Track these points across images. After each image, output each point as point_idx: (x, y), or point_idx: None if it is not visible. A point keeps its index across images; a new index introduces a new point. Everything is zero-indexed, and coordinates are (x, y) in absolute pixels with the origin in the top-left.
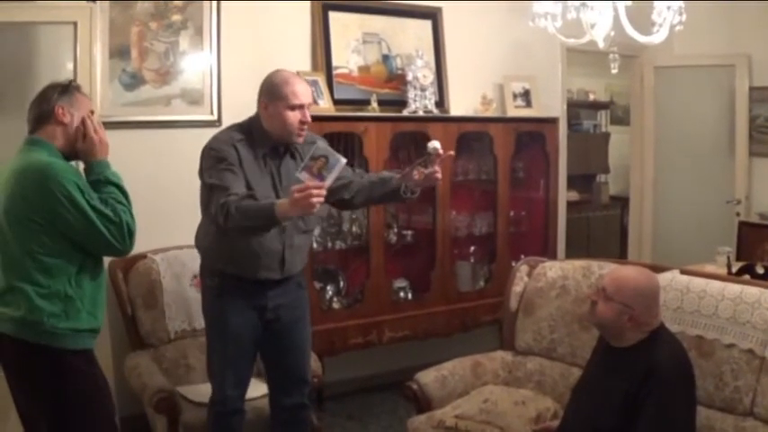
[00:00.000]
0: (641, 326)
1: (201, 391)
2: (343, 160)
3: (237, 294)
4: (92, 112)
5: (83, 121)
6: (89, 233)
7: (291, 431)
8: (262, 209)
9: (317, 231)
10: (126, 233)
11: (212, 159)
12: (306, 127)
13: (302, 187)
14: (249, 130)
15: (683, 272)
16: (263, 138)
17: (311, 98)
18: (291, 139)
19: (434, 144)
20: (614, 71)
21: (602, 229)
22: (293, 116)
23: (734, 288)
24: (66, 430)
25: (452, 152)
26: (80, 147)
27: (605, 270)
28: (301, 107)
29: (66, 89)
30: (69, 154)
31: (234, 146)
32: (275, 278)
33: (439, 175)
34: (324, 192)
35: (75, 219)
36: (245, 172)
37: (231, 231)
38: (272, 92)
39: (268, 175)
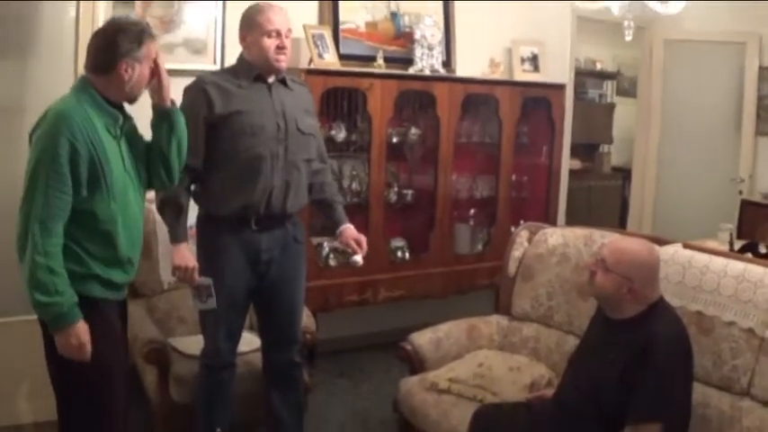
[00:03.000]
0: (640, 298)
1: (193, 343)
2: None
3: (232, 245)
4: (155, 62)
5: (156, 65)
6: (28, 190)
7: (283, 387)
8: (171, 228)
9: None
10: (32, 231)
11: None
12: (284, 53)
13: (185, 268)
14: (233, 68)
15: (686, 246)
16: (246, 70)
17: (288, 26)
18: (272, 65)
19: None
20: (628, 38)
21: (603, 200)
22: (270, 42)
23: (737, 265)
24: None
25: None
26: (152, 88)
27: (607, 239)
28: (278, 34)
29: (141, 39)
30: (117, 99)
31: (203, 89)
32: (266, 204)
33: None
34: (192, 278)
35: (28, 170)
36: (227, 101)
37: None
38: (249, 22)
39: (260, 98)
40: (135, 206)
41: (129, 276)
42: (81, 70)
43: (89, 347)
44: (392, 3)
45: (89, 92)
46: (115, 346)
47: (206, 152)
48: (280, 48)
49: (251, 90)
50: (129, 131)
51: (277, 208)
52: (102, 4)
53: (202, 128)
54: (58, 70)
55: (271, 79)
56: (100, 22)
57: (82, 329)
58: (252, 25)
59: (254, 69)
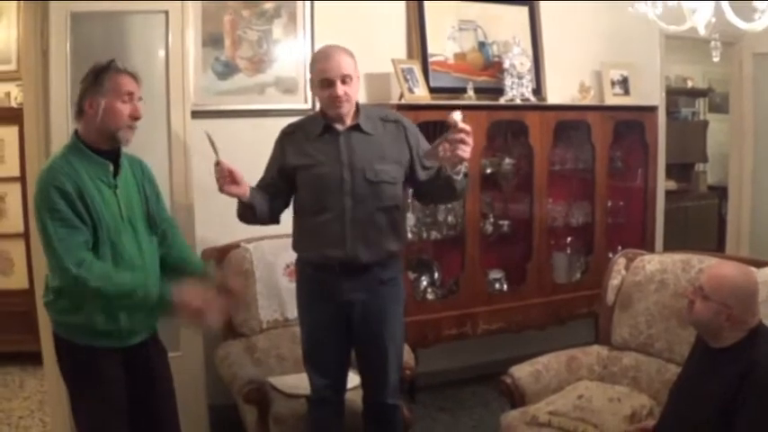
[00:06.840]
0: (739, 325)
1: (293, 382)
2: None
3: (314, 283)
4: (130, 95)
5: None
6: (45, 247)
7: (378, 428)
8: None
9: (411, 221)
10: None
11: None
12: (339, 102)
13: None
14: (313, 116)
15: None
16: (317, 120)
17: (342, 72)
18: (332, 112)
19: (456, 116)
20: (716, 59)
21: (700, 219)
22: (323, 93)
23: None
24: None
25: (468, 129)
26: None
27: (705, 264)
28: (329, 84)
29: (98, 74)
30: (97, 139)
31: (281, 140)
32: (340, 257)
33: (461, 152)
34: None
35: (39, 230)
36: (298, 154)
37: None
38: (311, 72)
39: (329, 149)
40: (135, 254)
41: (117, 323)
42: (172, 79)
43: (201, 304)
44: (479, 31)
45: (76, 146)
46: (106, 399)
47: (294, 199)
48: (332, 97)
49: (321, 141)
50: (129, 181)
51: (353, 259)
52: (192, 45)
53: (275, 172)
54: (148, 78)
55: (341, 127)
56: (191, 64)
57: (181, 294)
58: (312, 76)
59: (323, 119)
